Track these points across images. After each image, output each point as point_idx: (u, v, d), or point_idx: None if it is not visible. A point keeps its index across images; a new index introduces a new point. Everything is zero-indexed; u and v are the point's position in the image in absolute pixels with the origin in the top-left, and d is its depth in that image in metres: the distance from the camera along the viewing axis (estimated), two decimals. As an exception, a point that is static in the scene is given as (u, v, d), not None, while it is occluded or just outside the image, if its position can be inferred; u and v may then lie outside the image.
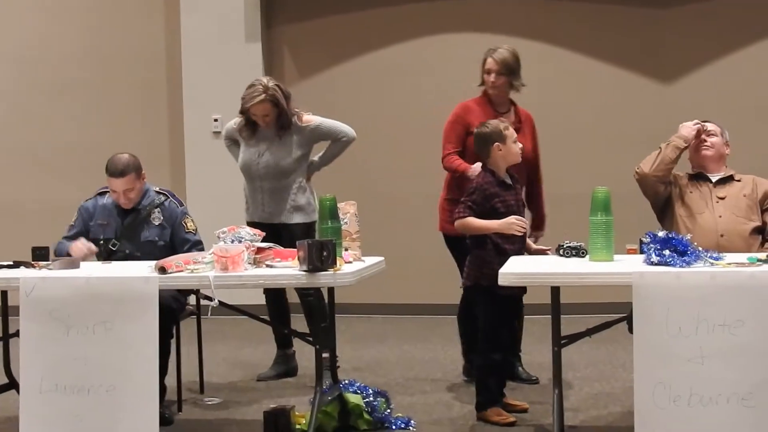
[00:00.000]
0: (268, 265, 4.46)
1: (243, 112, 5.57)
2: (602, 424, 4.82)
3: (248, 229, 4.60)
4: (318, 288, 5.44)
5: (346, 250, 4.63)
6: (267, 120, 5.54)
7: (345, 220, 4.74)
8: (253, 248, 4.47)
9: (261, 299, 6.98)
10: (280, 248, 4.62)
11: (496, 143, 4.83)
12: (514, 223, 4.68)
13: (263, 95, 5.47)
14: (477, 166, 5.07)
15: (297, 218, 5.58)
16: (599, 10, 8.11)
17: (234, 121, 5.76)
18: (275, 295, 5.77)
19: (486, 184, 4.80)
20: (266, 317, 5.33)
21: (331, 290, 4.63)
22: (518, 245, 4.77)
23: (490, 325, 4.82)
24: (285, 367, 5.85)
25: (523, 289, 4.82)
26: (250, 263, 4.41)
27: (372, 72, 8.23)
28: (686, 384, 3.81)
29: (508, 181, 4.88)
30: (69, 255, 4.86)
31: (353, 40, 8.38)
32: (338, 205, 4.73)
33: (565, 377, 5.34)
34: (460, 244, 5.17)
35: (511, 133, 4.88)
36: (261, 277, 4.34)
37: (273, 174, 5.60)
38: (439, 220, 5.56)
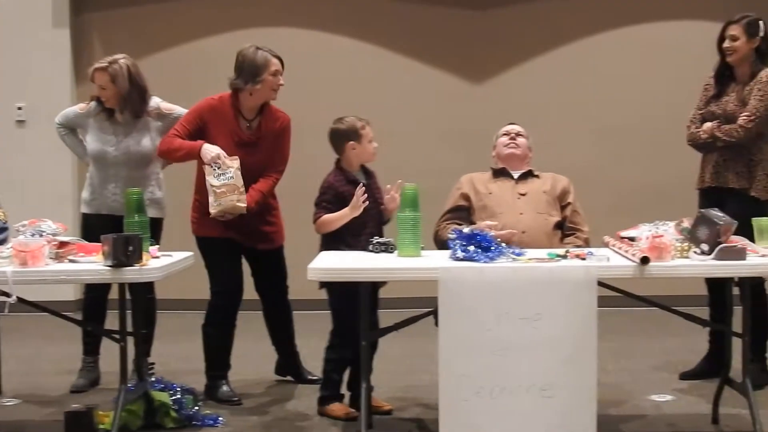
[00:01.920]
0: (71, 260, 4.30)
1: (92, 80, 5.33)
2: (409, 416, 4.90)
3: (50, 222, 4.44)
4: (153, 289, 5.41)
5: (238, 202, 4.80)
6: (104, 94, 5.28)
7: (230, 174, 4.79)
8: (55, 242, 4.31)
9: (65, 296, 6.78)
10: (84, 242, 4.49)
11: (351, 142, 4.83)
12: (359, 199, 4.65)
13: (105, 64, 5.24)
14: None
15: (151, 212, 5.12)
16: (415, 10, 8.24)
17: (78, 107, 5.49)
18: (99, 299, 5.46)
19: (336, 183, 4.81)
20: (69, 313, 5.12)
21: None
22: (366, 237, 4.70)
23: (344, 320, 4.78)
24: (95, 374, 5.61)
25: (381, 284, 4.77)
26: (51, 258, 4.25)
27: (185, 64, 8.11)
28: (489, 376, 3.91)
29: (360, 178, 4.88)
30: None
31: (166, 31, 8.24)
32: (222, 160, 4.79)
33: (376, 371, 5.39)
34: (212, 248, 5.13)
35: (367, 132, 4.86)
36: (63, 272, 4.19)
37: (133, 161, 5.32)
38: (191, 222, 5.28)
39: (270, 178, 5.19)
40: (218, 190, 4.82)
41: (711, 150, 5.39)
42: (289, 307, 5.58)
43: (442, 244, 4.83)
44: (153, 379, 4.81)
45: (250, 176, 5.04)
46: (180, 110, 5.38)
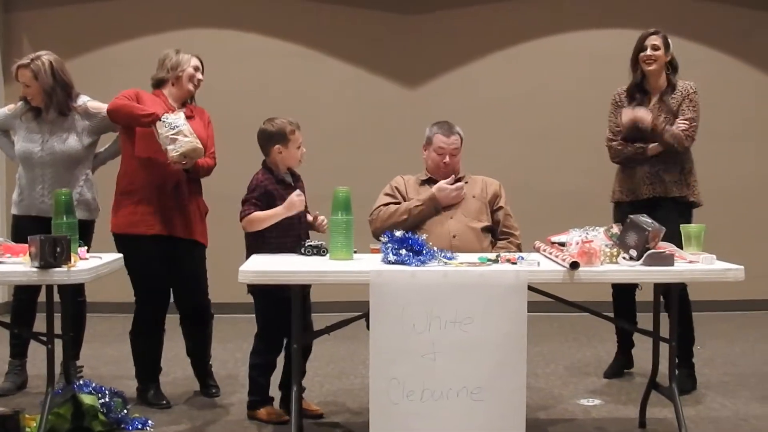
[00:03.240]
0: (-3, 261, 4.23)
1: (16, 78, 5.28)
2: (340, 420, 4.89)
3: (-24, 223, 4.36)
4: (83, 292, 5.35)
5: (196, 143, 4.84)
6: (29, 92, 5.23)
7: (182, 122, 4.86)
8: (-20, 244, 4.24)
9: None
10: (10, 243, 4.41)
11: (278, 145, 4.80)
12: (295, 201, 4.65)
13: (27, 61, 5.20)
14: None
15: (80, 214, 5.01)
16: (348, 14, 8.25)
17: (7, 108, 5.43)
18: (28, 301, 5.37)
19: (265, 181, 4.76)
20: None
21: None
22: (293, 239, 4.70)
23: (268, 325, 4.77)
24: (22, 377, 5.52)
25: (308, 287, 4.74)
26: (-23, 259, 4.18)
27: (115, 64, 8.02)
28: (419, 379, 3.92)
29: (288, 179, 4.86)
30: None
31: (96, 31, 8.15)
32: (168, 116, 4.84)
33: (308, 375, 5.37)
34: (132, 248, 4.99)
35: (296, 137, 4.83)
36: (-12, 273, 4.11)
37: (60, 161, 5.24)
38: (111, 218, 5.17)
39: (207, 158, 5.15)
40: (174, 136, 4.83)
41: (641, 162, 5.52)
42: (206, 331, 5.40)
43: (382, 223, 4.92)
44: (81, 382, 4.75)
45: None
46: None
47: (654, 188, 5.49)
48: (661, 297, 4.65)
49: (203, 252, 5.28)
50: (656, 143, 5.43)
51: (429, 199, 5.00)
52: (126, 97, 5.02)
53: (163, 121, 4.86)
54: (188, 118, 5.07)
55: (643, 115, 5.42)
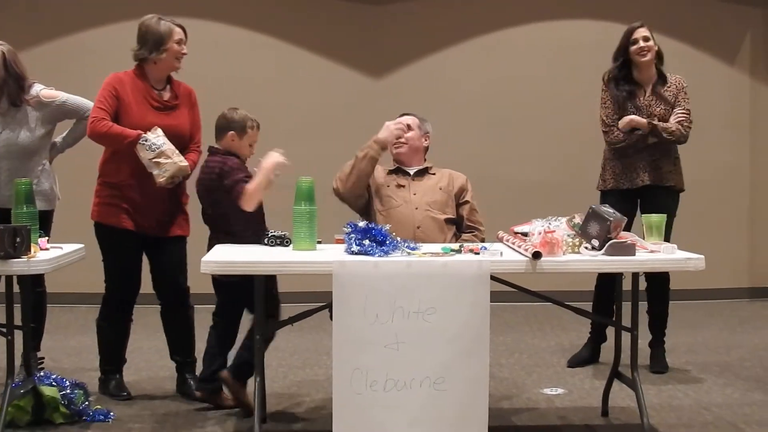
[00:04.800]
0: (-47, 252, 4.18)
1: None
2: (303, 410, 4.89)
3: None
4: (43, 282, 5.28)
5: (181, 162, 4.78)
6: None
7: (161, 142, 4.75)
8: (-62, 234, 4.18)
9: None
10: (-31, 234, 4.35)
11: (232, 132, 4.77)
12: (274, 163, 4.62)
13: None
14: None
15: (38, 204, 4.79)
16: (317, 3, 8.22)
17: None
18: None
19: (240, 165, 4.74)
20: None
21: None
22: (252, 231, 4.66)
23: (231, 309, 4.74)
24: None
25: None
26: (-66, 249, 4.12)
27: (86, 51, 7.93)
28: (382, 369, 3.92)
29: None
30: None
31: (56, 20, 8.05)
32: (147, 137, 4.75)
33: (271, 365, 5.38)
34: (110, 237, 4.97)
35: (253, 134, 4.82)
36: (-56, 264, 4.06)
37: (14, 153, 5.14)
38: (92, 206, 5.06)
39: (195, 153, 5.08)
40: (157, 160, 4.75)
41: (640, 151, 5.60)
42: (189, 318, 5.22)
43: (344, 184, 4.98)
44: (42, 374, 4.71)
45: (174, 141, 4.88)
46: (63, 97, 5.23)
47: (651, 176, 5.62)
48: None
49: (184, 241, 5.16)
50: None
51: (373, 142, 5.00)
52: (103, 108, 4.85)
53: (143, 144, 4.77)
54: (172, 108, 4.98)
55: (639, 121, 5.51)
